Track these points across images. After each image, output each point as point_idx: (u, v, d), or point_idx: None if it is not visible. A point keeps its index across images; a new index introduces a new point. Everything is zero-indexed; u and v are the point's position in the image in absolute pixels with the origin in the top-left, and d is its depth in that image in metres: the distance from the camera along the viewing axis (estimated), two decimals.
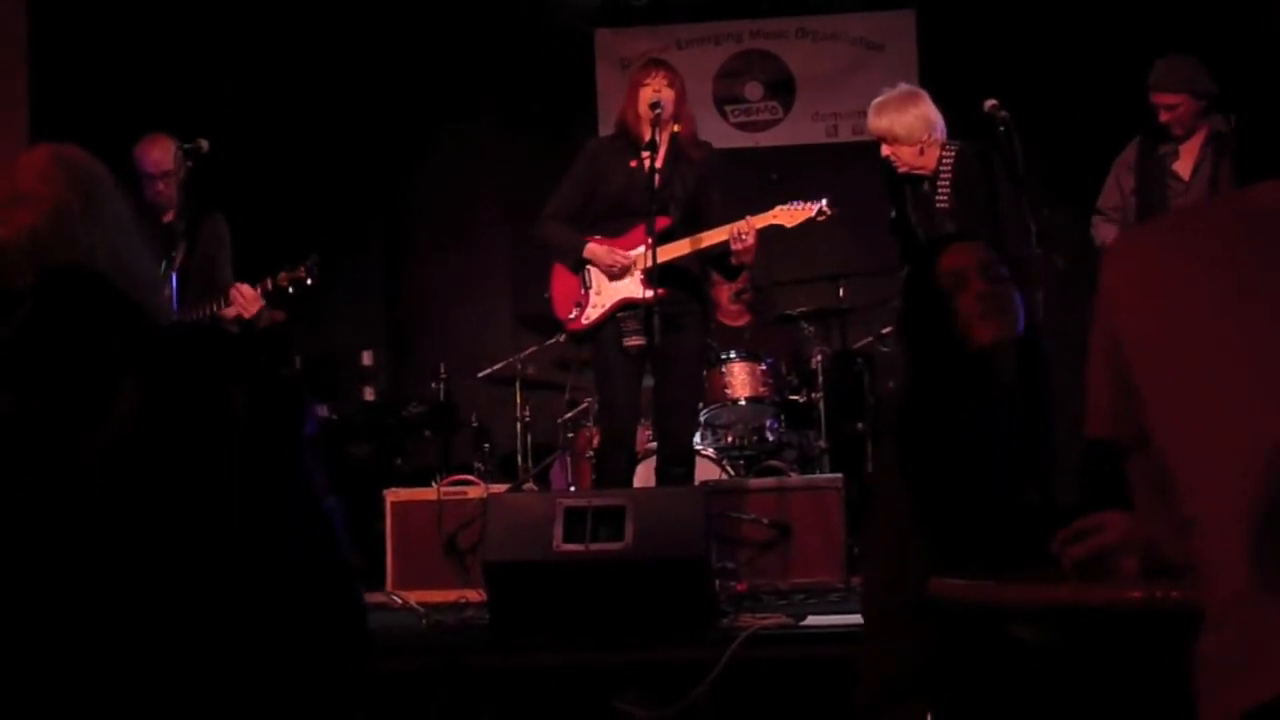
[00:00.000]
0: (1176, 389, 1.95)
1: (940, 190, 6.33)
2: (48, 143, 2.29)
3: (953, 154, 6.35)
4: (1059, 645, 2.87)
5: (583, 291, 6.57)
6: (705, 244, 6.41)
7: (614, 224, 6.53)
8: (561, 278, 6.66)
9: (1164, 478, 1.98)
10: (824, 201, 6.46)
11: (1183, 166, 6.99)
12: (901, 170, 6.42)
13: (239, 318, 6.56)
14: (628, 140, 6.55)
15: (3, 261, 2.14)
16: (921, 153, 6.36)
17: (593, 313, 6.54)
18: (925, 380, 3.70)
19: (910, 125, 6.34)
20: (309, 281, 6.62)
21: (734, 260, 6.47)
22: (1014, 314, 3.55)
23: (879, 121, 6.40)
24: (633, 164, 6.45)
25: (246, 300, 6.57)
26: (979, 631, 3.01)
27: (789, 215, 6.44)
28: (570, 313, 6.61)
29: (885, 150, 6.42)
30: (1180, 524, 1.95)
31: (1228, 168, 6.89)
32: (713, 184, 6.58)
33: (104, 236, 2.21)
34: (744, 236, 6.31)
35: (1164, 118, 6.99)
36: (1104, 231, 7.20)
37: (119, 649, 1.97)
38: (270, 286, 6.60)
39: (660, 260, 6.23)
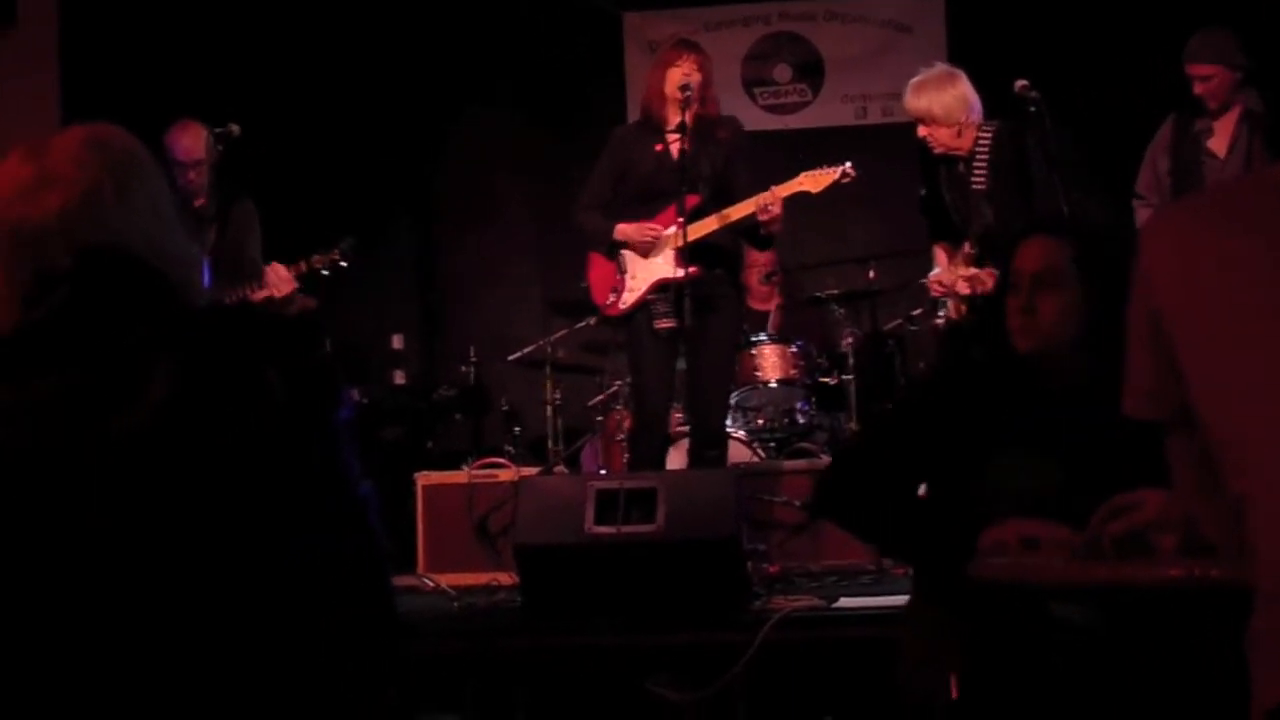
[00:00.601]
0: (1222, 365, 1.93)
1: (977, 171, 6.31)
2: (81, 124, 2.28)
3: (990, 134, 6.33)
4: (1098, 623, 2.86)
5: (618, 276, 6.58)
6: (733, 218, 6.41)
7: (645, 207, 6.54)
8: (598, 265, 6.68)
9: (1208, 456, 1.96)
10: (848, 164, 6.44)
11: (1218, 144, 6.95)
12: (938, 151, 6.40)
13: (270, 298, 6.55)
14: (652, 124, 6.57)
15: (35, 243, 2.14)
16: (959, 133, 6.33)
17: (629, 297, 6.54)
18: (959, 364, 3.66)
19: (949, 105, 6.31)
20: (343, 264, 6.63)
21: (763, 231, 6.47)
22: (1048, 331, 3.42)
23: (917, 101, 6.37)
24: (658, 147, 6.46)
25: (280, 280, 6.57)
26: (1017, 609, 2.99)
27: (813, 180, 6.43)
28: (607, 298, 6.62)
29: (922, 131, 6.39)
30: (1228, 502, 1.93)
31: (1259, 144, 6.84)
32: (741, 161, 6.57)
33: (138, 218, 2.20)
34: (770, 207, 6.30)
35: (1198, 89, 6.94)
36: (1141, 215, 7.15)
37: (149, 631, 1.97)
38: (304, 269, 6.61)
39: (691, 238, 6.23)
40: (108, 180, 2.19)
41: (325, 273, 6.63)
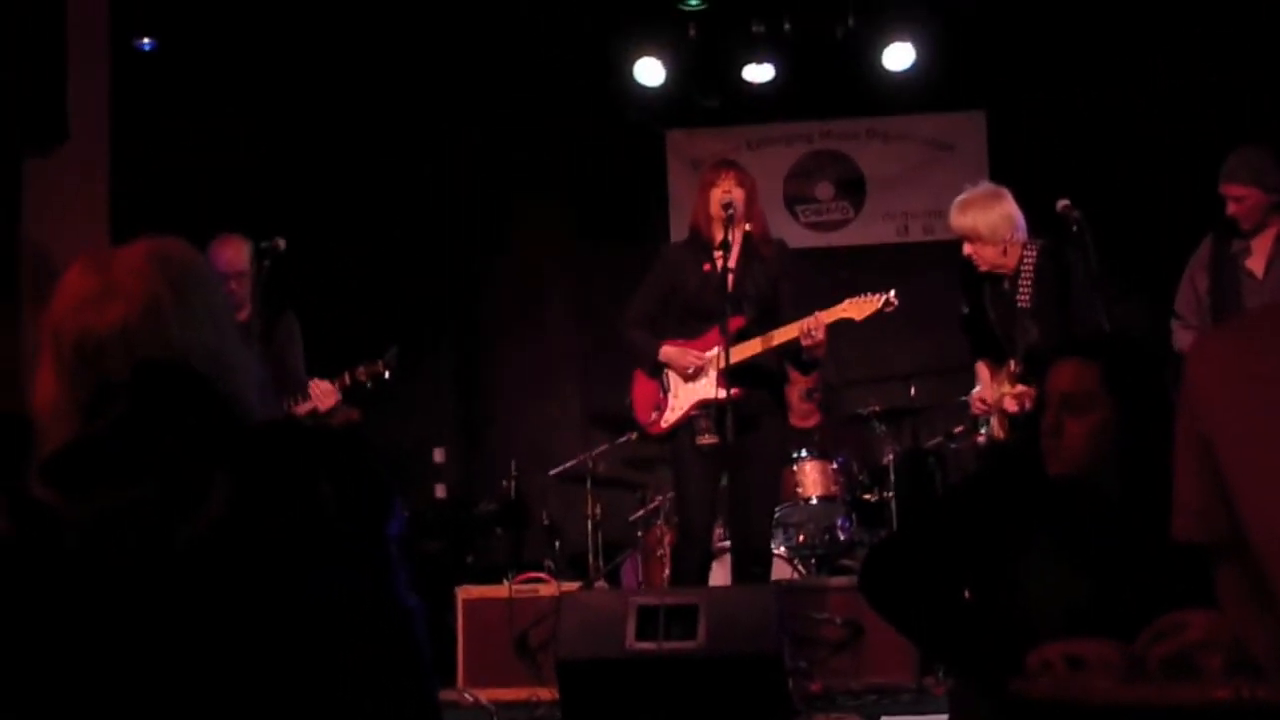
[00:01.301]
0: (1272, 488, 1.94)
1: (1022, 289, 6.33)
2: (146, 237, 2.32)
3: (1034, 253, 6.35)
4: None
5: (662, 395, 6.62)
6: (776, 342, 6.44)
7: (691, 326, 6.59)
8: (641, 382, 6.71)
9: (1257, 577, 1.96)
10: (891, 292, 6.46)
11: (1256, 263, 6.94)
12: (983, 269, 6.42)
13: (314, 411, 6.58)
14: (700, 243, 6.61)
15: (97, 355, 2.17)
16: (1004, 252, 6.35)
17: (671, 415, 6.57)
18: (999, 477, 3.65)
19: (994, 224, 6.34)
20: (387, 375, 6.64)
21: (805, 356, 6.49)
22: (1074, 453, 3.40)
23: (963, 220, 6.40)
24: (705, 267, 6.50)
25: (323, 394, 6.60)
26: None
27: (857, 308, 6.45)
28: (650, 416, 6.65)
29: (967, 249, 6.42)
30: (1278, 623, 1.93)
31: None
32: (785, 279, 6.61)
33: (198, 331, 2.23)
34: (814, 333, 6.32)
35: (1232, 210, 6.93)
36: (1181, 337, 7.12)
37: None
38: (349, 381, 6.63)
39: (735, 360, 6.25)
40: (169, 293, 2.23)
41: (370, 385, 6.64)
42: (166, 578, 1.99)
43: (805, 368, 6.87)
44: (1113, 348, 3.53)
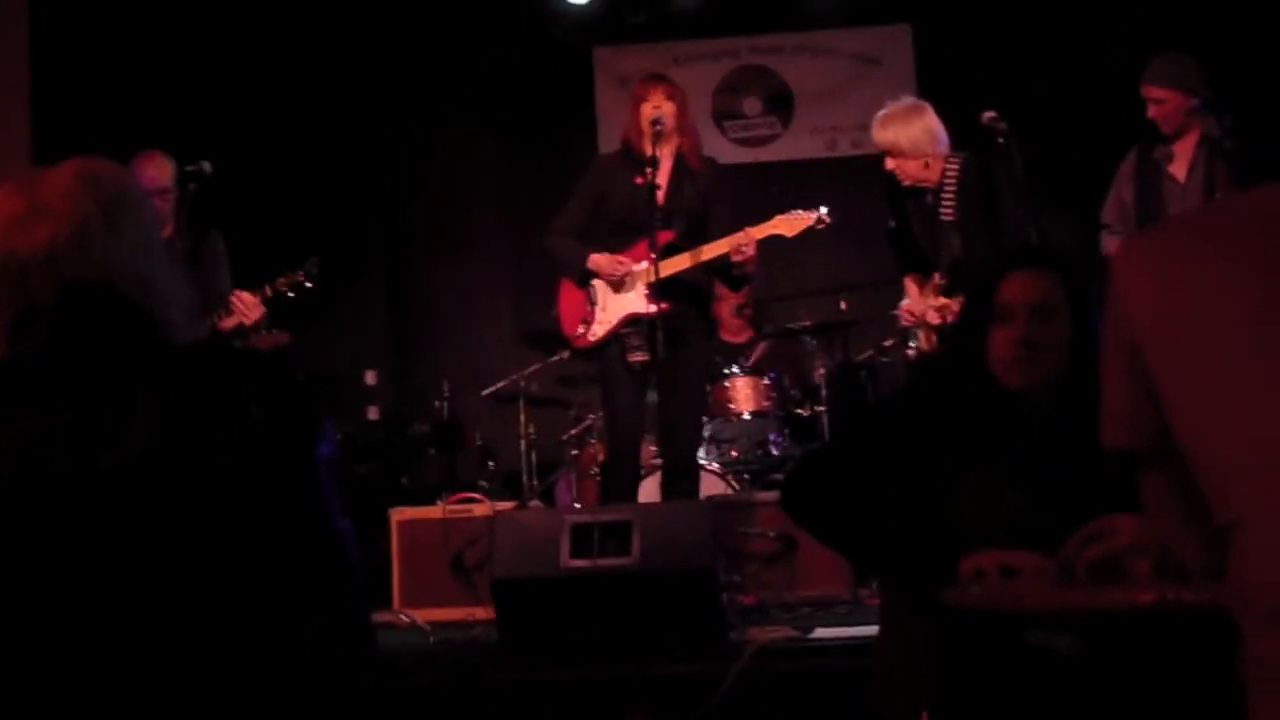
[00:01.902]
0: (1206, 393, 1.95)
1: (945, 202, 6.35)
2: (76, 159, 2.30)
3: (957, 166, 6.37)
4: (1074, 649, 2.87)
5: (589, 308, 6.60)
6: (706, 257, 6.44)
7: (619, 239, 6.57)
8: (569, 295, 6.69)
9: (1186, 483, 1.98)
10: (823, 210, 6.47)
11: (1178, 168, 6.98)
12: (906, 183, 6.44)
13: (239, 325, 6.52)
14: (631, 157, 6.58)
15: (22, 276, 2.15)
16: (926, 165, 6.37)
17: (599, 329, 6.56)
18: (933, 390, 3.64)
19: (915, 138, 6.36)
20: (308, 285, 6.56)
21: (736, 272, 6.50)
22: (1049, 364, 3.39)
23: (884, 135, 6.42)
24: (637, 180, 6.46)
25: (247, 306, 6.53)
26: (992, 636, 3.00)
27: (788, 224, 6.45)
28: (577, 330, 6.64)
29: (890, 164, 6.43)
30: (1209, 528, 1.95)
31: (1222, 170, 6.86)
32: (718, 198, 6.60)
33: (126, 253, 2.21)
34: (745, 249, 6.33)
35: (1152, 112, 6.95)
36: (1110, 244, 7.17)
37: (126, 664, 1.98)
38: (269, 292, 6.56)
39: (663, 274, 6.25)
40: (97, 214, 2.20)
41: (291, 295, 6.56)
42: (91, 502, 1.98)
43: (735, 283, 6.88)
44: (1063, 257, 3.53)
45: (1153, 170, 7.05)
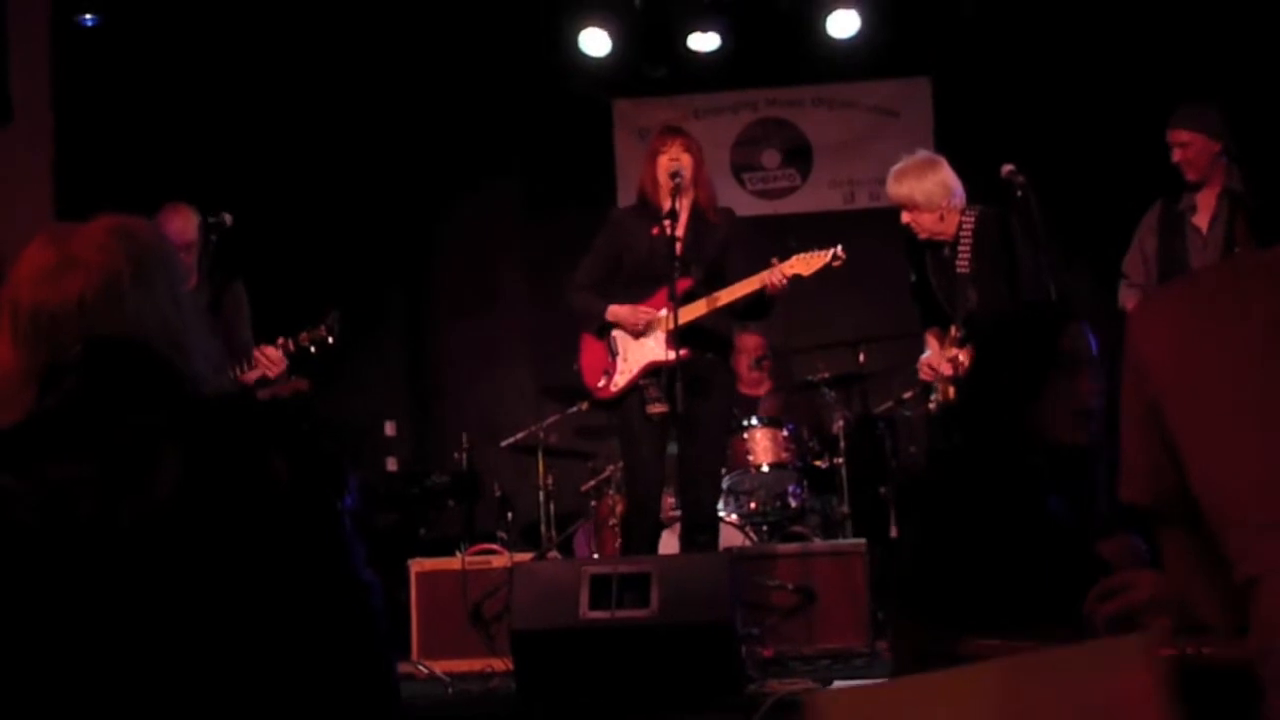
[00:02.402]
0: (1225, 450, 1.95)
1: (961, 254, 6.36)
2: (109, 214, 2.32)
3: (973, 218, 6.39)
4: None
5: (610, 359, 6.62)
6: (724, 301, 6.45)
7: (639, 290, 6.59)
8: (590, 348, 6.71)
9: (1205, 538, 1.98)
10: (838, 247, 6.46)
11: (1200, 219, 6.99)
12: (922, 237, 6.46)
13: (263, 378, 6.54)
14: (648, 208, 6.60)
15: (53, 328, 2.17)
16: (941, 219, 6.39)
17: (620, 380, 6.58)
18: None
19: (930, 192, 6.38)
20: (330, 340, 6.58)
21: (768, 295, 6.47)
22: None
23: (899, 189, 6.44)
24: (654, 231, 6.49)
25: (271, 361, 6.55)
26: None
27: (805, 264, 6.45)
28: (599, 381, 6.65)
29: (905, 217, 6.46)
30: (1227, 583, 1.95)
31: (1243, 223, 6.86)
32: (735, 248, 6.62)
33: (154, 307, 2.23)
34: (777, 283, 6.35)
35: (1176, 156, 6.96)
36: (1126, 296, 7.17)
37: (150, 716, 1.99)
38: (292, 347, 6.58)
39: (684, 320, 6.26)
40: (129, 268, 2.23)
41: (313, 349, 6.58)
42: (116, 552, 1.99)
43: (761, 309, 6.74)
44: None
45: (1176, 221, 7.06)
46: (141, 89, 8.90)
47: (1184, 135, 6.96)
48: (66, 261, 2.21)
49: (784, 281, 6.37)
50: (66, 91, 7.57)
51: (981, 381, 3.53)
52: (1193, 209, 7.04)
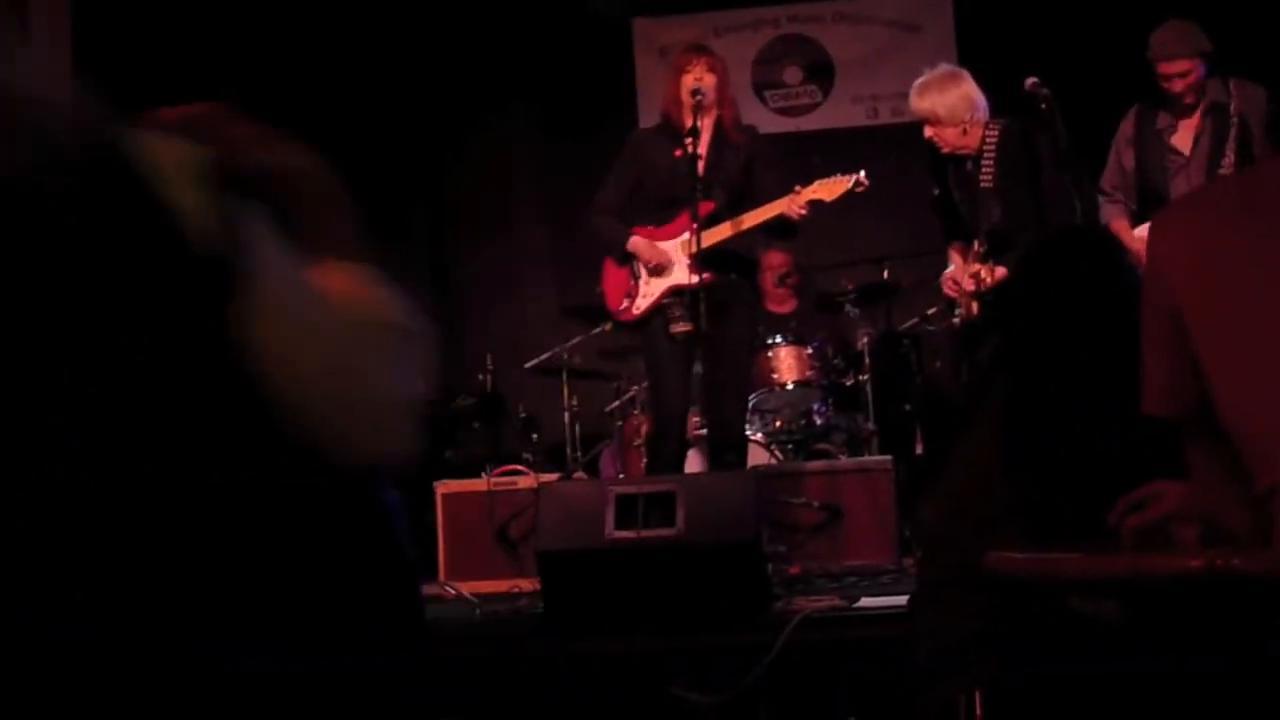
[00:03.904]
0: (1247, 361, 1.94)
1: (984, 169, 6.32)
2: None
3: (996, 132, 6.35)
4: (1120, 617, 2.86)
5: (633, 282, 6.61)
6: (747, 225, 6.42)
7: (661, 212, 6.57)
8: (612, 270, 6.70)
9: (1230, 449, 1.97)
10: (861, 173, 6.41)
11: (1181, 140, 6.88)
12: (945, 151, 6.42)
13: None
14: (671, 129, 6.57)
15: None
16: (965, 133, 6.35)
17: (643, 302, 6.56)
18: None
19: (953, 106, 6.34)
20: None
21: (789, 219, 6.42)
22: None
23: (921, 103, 6.40)
24: (677, 153, 6.45)
25: None
26: (1037, 604, 3.00)
27: (827, 189, 6.40)
28: (621, 303, 6.64)
29: (928, 131, 6.42)
30: (1254, 494, 1.94)
31: (1234, 142, 6.76)
32: (763, 166, 6.58)
33: None
34: (799, 209, 6.31)
35: (1178, 87, 6.82)
36: (1108, 212, 7.10)
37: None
38: None
39: (706, 244, 6.24)
40: None
41: None
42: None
43: (787, 230, 6.71)
44: None
45: (1155, 140, 6.97)
46: (160, 18, 8.84)
47: (1183, 64, 6.81)
48: None
49: (804, 209, 6.33)
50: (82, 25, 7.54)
51: (1033, 315, 3.40)
52: (1172, 129, 6.94)
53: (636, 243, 6.58)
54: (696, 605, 5.37)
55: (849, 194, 6.41)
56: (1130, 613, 2.84)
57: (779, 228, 6.58)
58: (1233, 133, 6.74)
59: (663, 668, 5.21)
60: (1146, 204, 6.88)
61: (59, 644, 1.65)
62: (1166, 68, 6.83)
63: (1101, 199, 7.12)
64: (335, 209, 1.99)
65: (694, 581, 5.39)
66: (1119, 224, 6.93)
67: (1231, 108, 6.75)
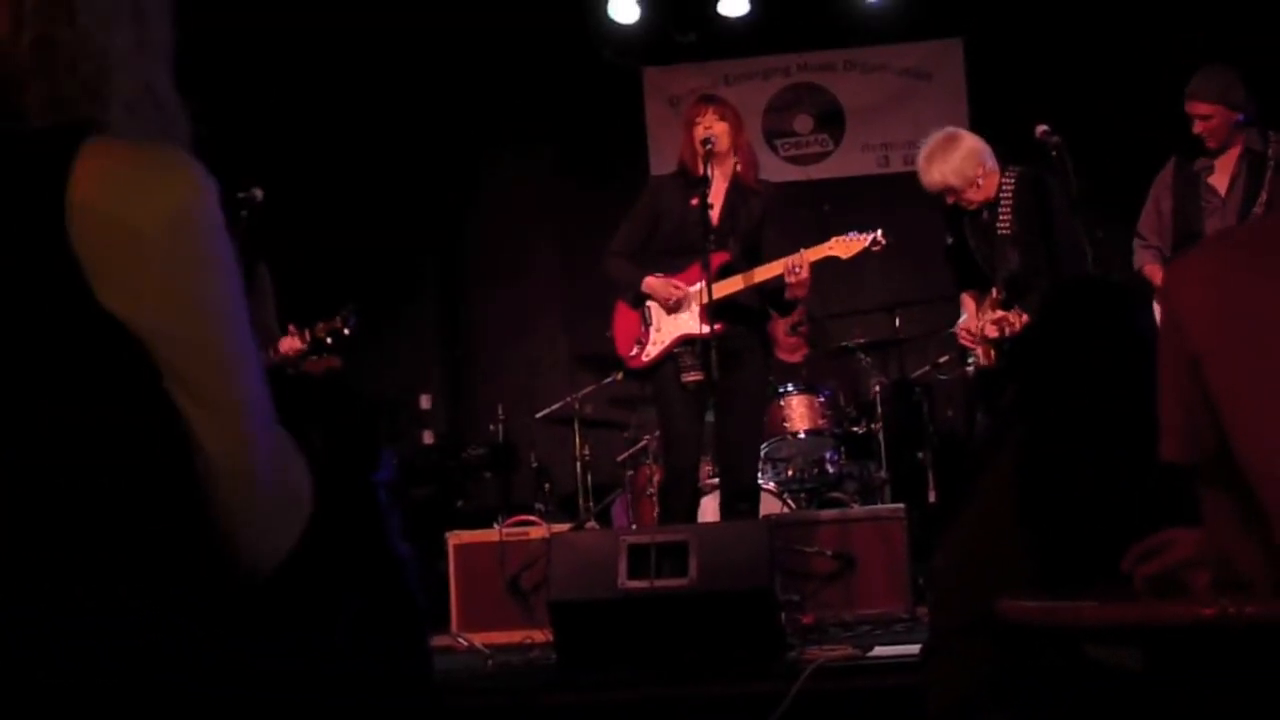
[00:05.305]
0: (1264, 406, 1.94)
1: (1002, 216, 6.33)
2: None
3: (1012, 179, 6.36)
4: (1134, 665, 2.85)
5: (643, 329, 6.61)
6: (759, 279, 6.41)
7: (675, 260, 6.57)
8: (623, 316, 6.70)
9: (1245, 495, 1.97)
10: (878, 232, 6.41)
11: (1218, 181, 6.93)
12: (972, 208, 6.43)
13: (285, 356, 6.51)
14: (686, 178, 6.58)
15: None
16: (980, 186, 6.36)
17: (653, 350, 6.57)
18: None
19: (960, 168, 6.36)
20: (346, 331, 6.52)
21: (788, 294, 6.44)
22: None
23: (932, 176, 6.41)
24: (693, 201, 6.45)
25: (290, 349, 6.53)
26: (1051, 651, 2.99)
27: (844, 246, 6.41)
28: (631, 350, 6.64)
29: (950, 199, 6.43)
30: (1268, 540, 1.94)
31: (1269, 185, 6.80)
32: (772, 218, 6.58)
33: None
34: (798, 270, 6.29)
35: (1198, 128, 6.90)
36: (1141, 257, 7.13)
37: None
38: (309, 338, 6.53)
39: (717, 296, 6.24)
40: None
41: (330, 341, 6.54)
42: None
43: (784, 307, 6.79)
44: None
45: (1191, 182, 7.01)
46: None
47: (1204, 107, 6.88)
48: None
49: (804, 266, 6.28)
50: None
51: (1055, 360, 3.37)
52: (1209, 170, 6.99)
53: (651, 282, 6.57)
54: (710, 655, 5.36)
55: (865, 252, 6.40)
56: (1149, 660, 2.83)
57: (775, 299, 6.56)
58: (1268, 176, 6.77)
59: (677, 717, 5.20)
60: (1180, 247, 6.91)
61: (101, 638, 1.67)
62: (1188, 107, 6.92)
63: (1136, 243, 7.17)
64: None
65: (707, 631, 5.38)
66: (1151, 269, 6.98)
67: (1269, 153, 6.79)
